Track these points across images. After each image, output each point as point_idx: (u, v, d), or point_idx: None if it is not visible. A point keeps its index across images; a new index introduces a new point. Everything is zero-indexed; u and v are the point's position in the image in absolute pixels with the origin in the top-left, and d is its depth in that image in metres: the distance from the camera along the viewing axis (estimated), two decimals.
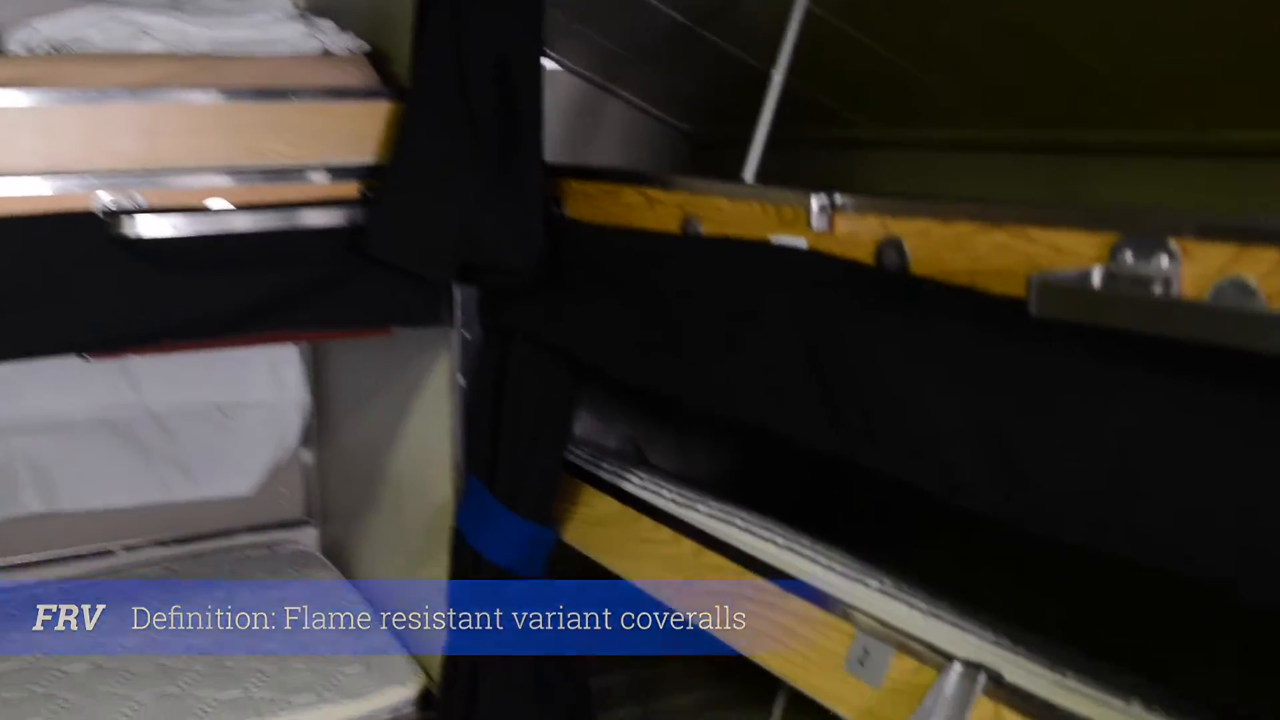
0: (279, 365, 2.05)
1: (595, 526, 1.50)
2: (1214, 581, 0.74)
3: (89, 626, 1.78)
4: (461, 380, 1.56)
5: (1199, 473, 0.73)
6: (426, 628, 1.71)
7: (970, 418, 0.88)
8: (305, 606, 1.87)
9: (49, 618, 1.81)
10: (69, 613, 1.82)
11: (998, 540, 1.08)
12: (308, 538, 2.17)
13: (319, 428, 2.16)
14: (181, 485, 2.03)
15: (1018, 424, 0.84)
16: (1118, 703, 0.91)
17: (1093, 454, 0.79)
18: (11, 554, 1.97)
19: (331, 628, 1.80)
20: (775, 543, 1.25)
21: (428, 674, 1.66)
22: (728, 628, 1.23)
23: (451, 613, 1.55)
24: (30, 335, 1.33)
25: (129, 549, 2.04)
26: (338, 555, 2.09)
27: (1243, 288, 0.68)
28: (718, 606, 1.25)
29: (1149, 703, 0.91)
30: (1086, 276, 0.75)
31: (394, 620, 1.82)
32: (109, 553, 2.03)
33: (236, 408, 2.04)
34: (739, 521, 1.30)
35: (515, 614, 1.49)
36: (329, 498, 2.16)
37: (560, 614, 1.54)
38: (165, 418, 2.00)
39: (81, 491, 1.95)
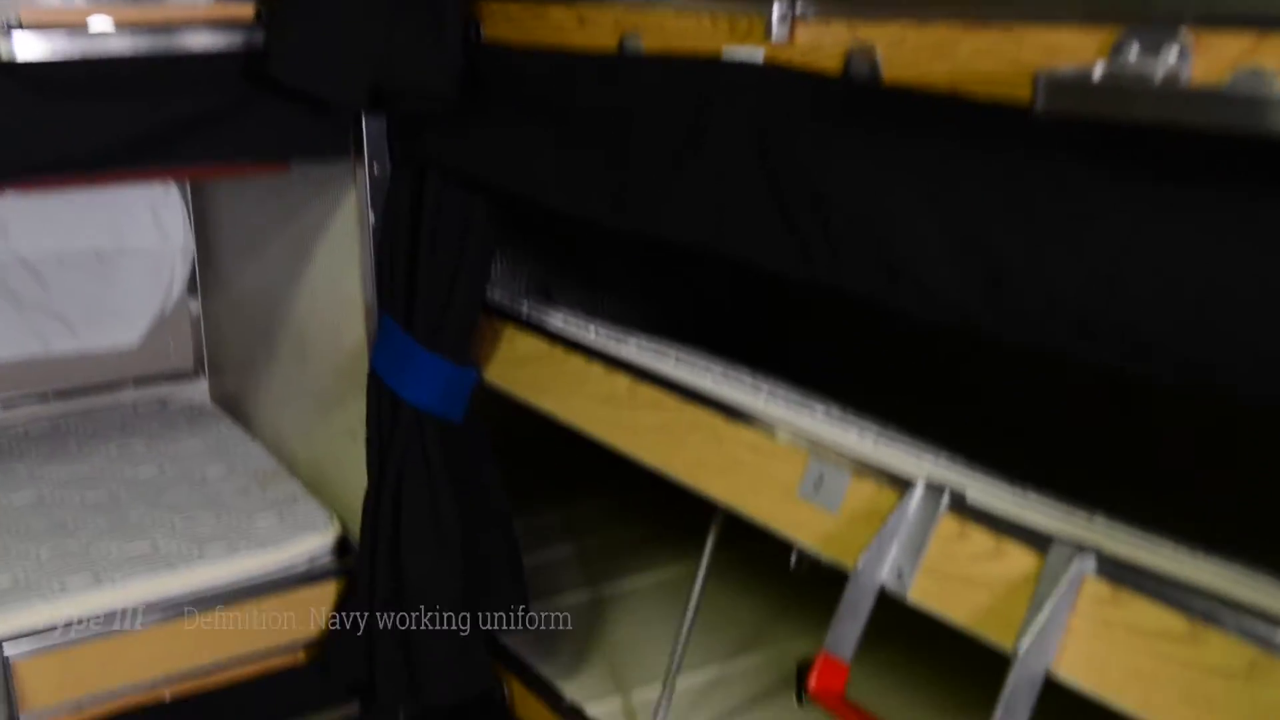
0: (160, 208, 1.93)
1: (520, 365, 1.45)
2: (1210, 385, 0.73)
3: None
4: (372, 217, 1.48)
5: (1195, 271, 0.72)
6: (341, 474, 1.66)
7: (949, 230, 0.86)
8: (207, 458, 1.80)
9: None
10: None
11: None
12: (199, 391, 2.08)
13: (205, 276, 2.06)
14: (61, 337, 1.92)
15: (1003, 232, 0.82)
16: (1081, 517, 0.91)
17: (1083, 258, 0.77)
18: None
19: (235, 476, 1.74)
20: (712, 374, 1.22)
21: (343, 522, 1.62)
22: (671, 462, 1.21)
23: (369, 457, 1.50)
24: None
25: (8, 406, 1.93)
26: (233, 407, 2.01)
27: (1260, 78, 0.66)
28: (657, 438, 1.23)
29: (1113, 517, 0.91)
30: (1088, 74, 0.72)
31: (304, 468, 1.76)
32: None
33: (116, 254, 1.93)
34: (673, 356, 1.27)
35: (435, 457, 1.45)
36: (220, 348, 2.07)
37: (481, 457, 1.51)
38: (38, 265, 1.88)
39: None
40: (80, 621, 1.41)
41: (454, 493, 1.46)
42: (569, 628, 1.72)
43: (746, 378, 1.19)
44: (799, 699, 1.55)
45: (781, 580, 1.81)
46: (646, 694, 1.53)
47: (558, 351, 1.39)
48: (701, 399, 1.19)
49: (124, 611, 1.44)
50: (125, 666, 1.44)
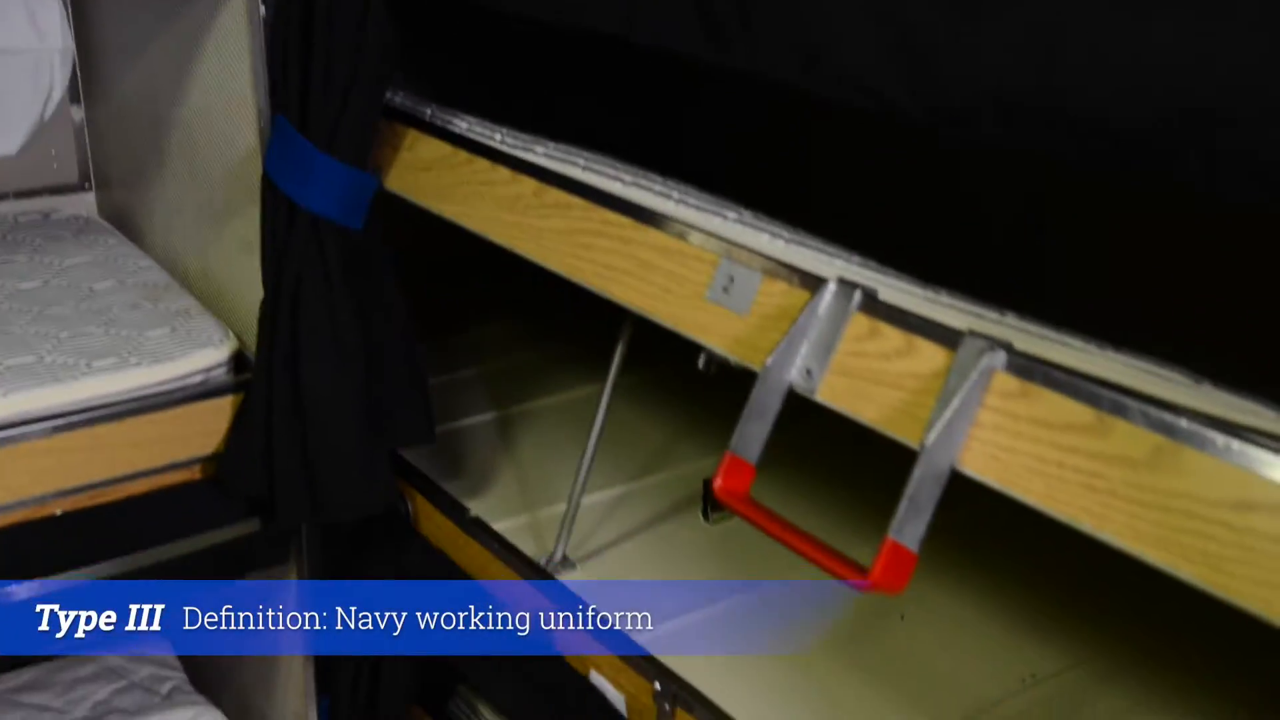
0: (36, 7, 1.79)
1: (422, 171, 1.40)
2: (1138, 169, 0.71)
3: None
4: (263, 9, 1.39)
5: (1129, 46, 0.69)
6: (236, 289, 1.60)
7: (870, 8, 0.82)
8: (94, 272, 1.72)
9: None
10: None
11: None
12: (85, 204, 1.99)
13: (86, 81, 1.94)
14: None
15: (927, 8, 0.78)
16: (993, 315, 0.90)
17: (1011, 33, 0.74)
18: None
19: (125, 290, 1.67)
20: (622, 180, 1.18)
21: (239, 338, 1.56)
22: (579, 267, 1.17)
23: (264, 265, 1.44)
24: None
25: None
26: (122, 221, 1.92)
27: None
28: (564, 244, 1.19)
29: (1023, 315, 0.90)
30: None
31: (198, 283, 1.69)
32: None
33: None
34: (580, 161, 1.23)
35: (334, 265, 1.40)
36: (106, 159, 1.96)
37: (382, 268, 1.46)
38: None
39: None
40: None
41: (354, 303, 1.41)
42: (475, 447, 1.71)
43: (657, 183, 1.16)
44: (705, 516, 1.57)
45: (691, 403, 1.83)
46: (552, 511, 1.53)
47: (462, 156, 1.33)
48: (611, 202, 1.15)
49: (9, 423, 1.38)
50: (13, 480, 1.39)
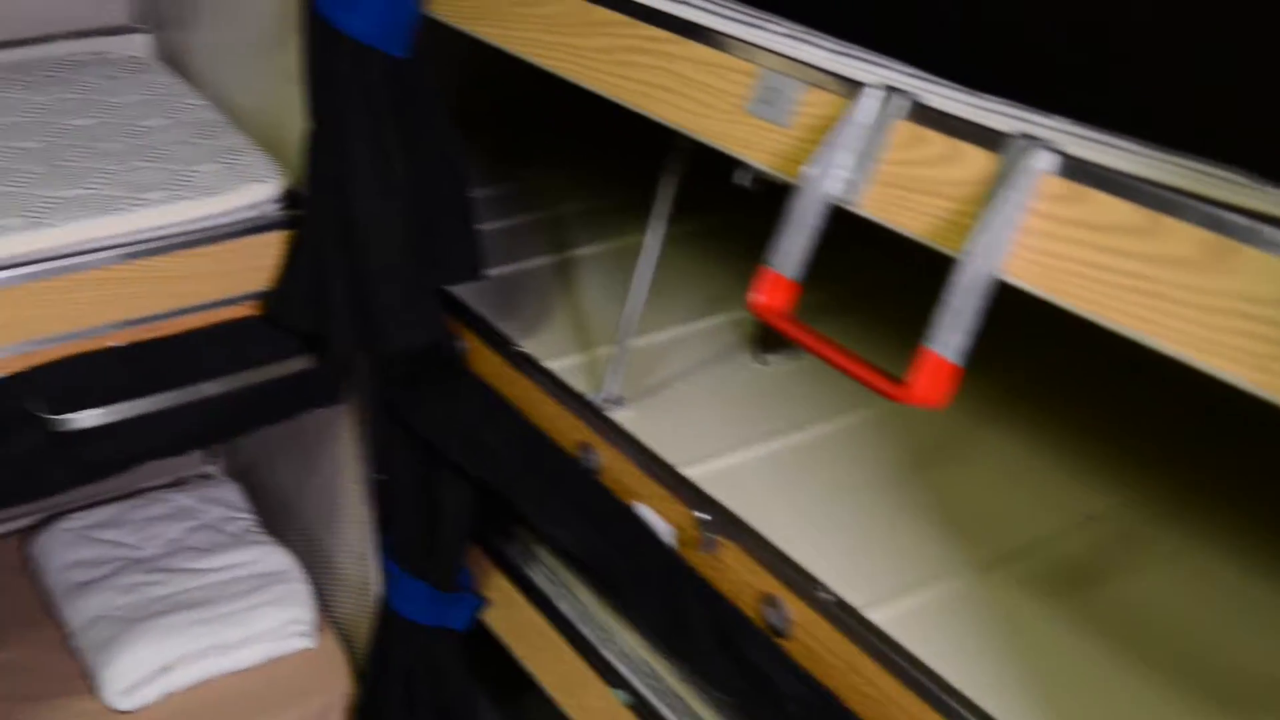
0: None
1: None
2: None
3: None
4: None
5: None
6: (284, 124, 1.58)
7: None
8: (146, 110, 1.71)
9: None
10: None
11: None
12: (138, 44, 1.97)
13: None
14: None
15: None
16: (1041, 119, 0.85)
17: None
18: None
19: (176, 127, 1.66)
20: None
21: (291, 174, 1.55)
22: (620, 85, 1.14)
23: (308, 96, 1.42)
24: None
25: None
26: (175, 60, 1.91)
27: None
28: (606, 63, 1.15)
29: (1074, 120, 0.85)
30: None
31: (248, 120, 1.68)
32: None
33: None
34: None
35: (378, 93, 1.37)
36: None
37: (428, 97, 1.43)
38: None
39: None
40: (19, 264, 1.37)
41: (399, 134, 1.39)
42: (529, 291, 1.70)
43: None
44: (759, 357, 1.54)
45: (751, 250, 1.79)
46: (606, 353, 1.51)
47: None
48: (651, 16, 1.10)
49: (64, 253, 1.39)
50: (69, 311, 1.41)
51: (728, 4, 1.09)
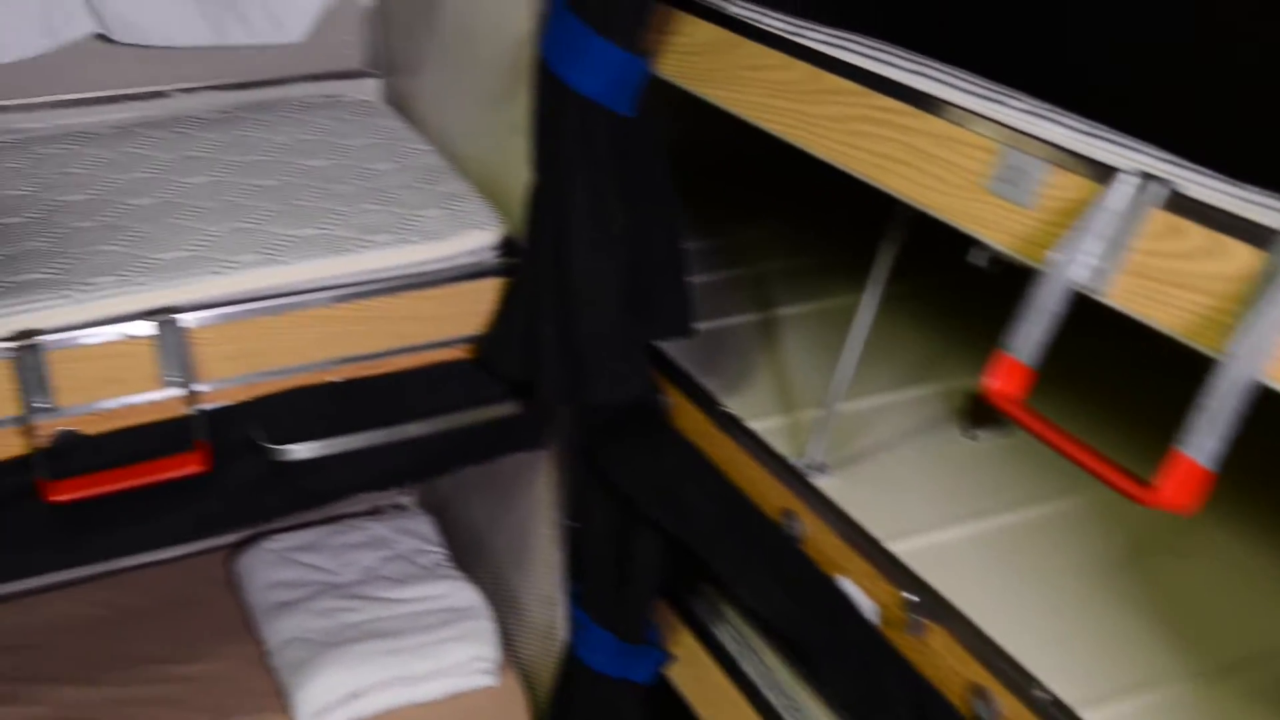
0: None
1: (693, 55, 1.36)
2: None
3: (156, 163, 1.71)
4: None
5: None
6: (507, 173, 1.62)
7: None
8: (375, 153, 1.78)
9: (111, 154, 1.73)
10: (131, 148, 1.75)
11: None
12: (368, 88, 2.05)
13: None
14: (233, 27, 1.88)
15: None
16: None
17: None
18: (63, 91, 1.87)
19: (403, 172, 1.72)
20: (899, 66, 1.12)
21: (509, 222, 1.58)
22: (851, 155, 1.12)
23: (534, 149, 1.45)
24: None
25: (189, 91, 1.94)
26: (402, 105, 1.98)
27: None
28: (836, 131, 1.14)
29: None
30: None
31: (471, 167, 1.73)
32: (163, 94, 1.93)
33: None
34: (856, 46, 1.17)
35: (602, 150, 1.39)
36: (391, 45, 2.02)
37: (651, 155, 1.44)
38: None
39: (130, 22, 1.80)
40: (251, 298, 1.43)
41: (620, 189, 1.40)
42: (734, 348, 1.69)
43: (936, 70, 1.09)
44: (968, 431, 1.50)
45: (963, 316, 1.75)
46: (810, 415, 1.49)
47: (733, 39, 1.29)
48: (887, 87, 1.09)
49: (294, 290, 1.45)
50: (293, 345, 1.46)
51: (964, 75, 1.07)
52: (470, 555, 2.10)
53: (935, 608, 1.16)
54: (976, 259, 0.99)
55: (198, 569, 2.08)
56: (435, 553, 2.11)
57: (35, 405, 1.34)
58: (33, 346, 1.31)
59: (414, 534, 2.14)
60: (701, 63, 1.34)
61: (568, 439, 1.67)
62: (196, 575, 2.07)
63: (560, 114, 1.40)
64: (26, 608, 2.00)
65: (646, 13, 1.36)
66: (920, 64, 1.10)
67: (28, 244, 1.48)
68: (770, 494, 1.38)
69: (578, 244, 1.41)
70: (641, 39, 1.38)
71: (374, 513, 2.23)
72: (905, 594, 1.18)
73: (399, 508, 2.26)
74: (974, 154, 1.00)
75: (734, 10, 1.31)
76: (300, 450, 1.46)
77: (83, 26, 1.78)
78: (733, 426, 1.45)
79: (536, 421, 1.63)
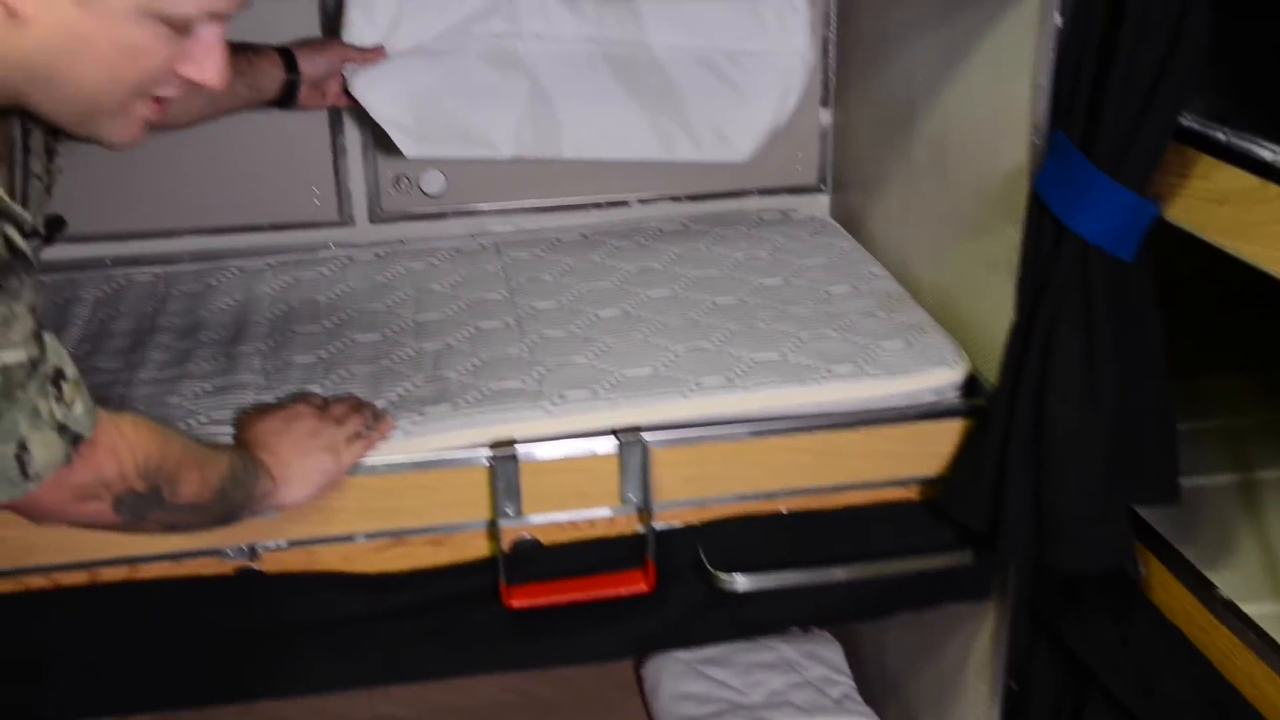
0: (785, 13, 1.85)
1: (1214, 204, 1.23)
2: None
3: (619, 274, 1.75)
4: (1058, 19, 1.30)
5: None
6: (973, 307, 1.54)
7: None
8: (830, 274, 1.74)
9: (578, 262, 1.80)
10: (596, 257, 1.81)
11: None
12: (821, 205, 2.04)
13: (838, 86, 1.97)
14: (681, 143, 1.91)
15: None
16: None
17: None
18: (533, 197, 1.96)
19: (859, 296, 1.67)
20: None
21: (972, 359, 1.50)
22: None
23: (1019, 288, 1.37)
24: None
25: (645, 203, 1.99)
26: (855, 224, 1.94)
27: None
28: None
29: None
30: None
31: (929, 296, 1.66)
32: (624, 204, 1.99)
33: (738, 56, 1.87)
34: None
35: (1098, 298, 1.28)
36: (847, 162, 2.00)
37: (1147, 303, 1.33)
38: (667, 64, 1.86)
39: (582, 138, 1.86)
40: (713, 422, 1.42)
41: (1114, 339, 1.30)
42: (1214, 512, 1.52)
43: None
44: None
45: None
46: None
47: (1271, 190, 1.16)
48: None
49: (754, 417, 1.42)
50: (748, 472, 1.44)
51: None
52: (881, 692, 2.00)
53: None
54: None
55: (608, 670, 2.09)
56: (844, 683, 2.03)
57: (504, 511, 1.37)
58: (511, 456, 1.35)
59: (823, 661, 2.07)
60: (1226, 213, 1.21)
61: (1016, 593, 1.55)
62: (607, 677, 2.09)
63: (1054, 255, 1.31)
64: (453, 685, 2.06)
65: (1161, 154, 1.25)
66: None
67: (506, 350, 1.54)
68: (1277, 698, 1.21)
69: (1063, 395, 1.31)
70: (1154, 182, 1.27)
71: (784, 633, 2.17)
72: None
73: (808, 630, 2.20)
74: None
75: (1268, 156, 1.18)
76: (744, 581, 1.43)
77: (531, 146, 1.86)
78: (1228, 613, 1.29)
79: (987, 573, 1.52)
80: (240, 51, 1.53)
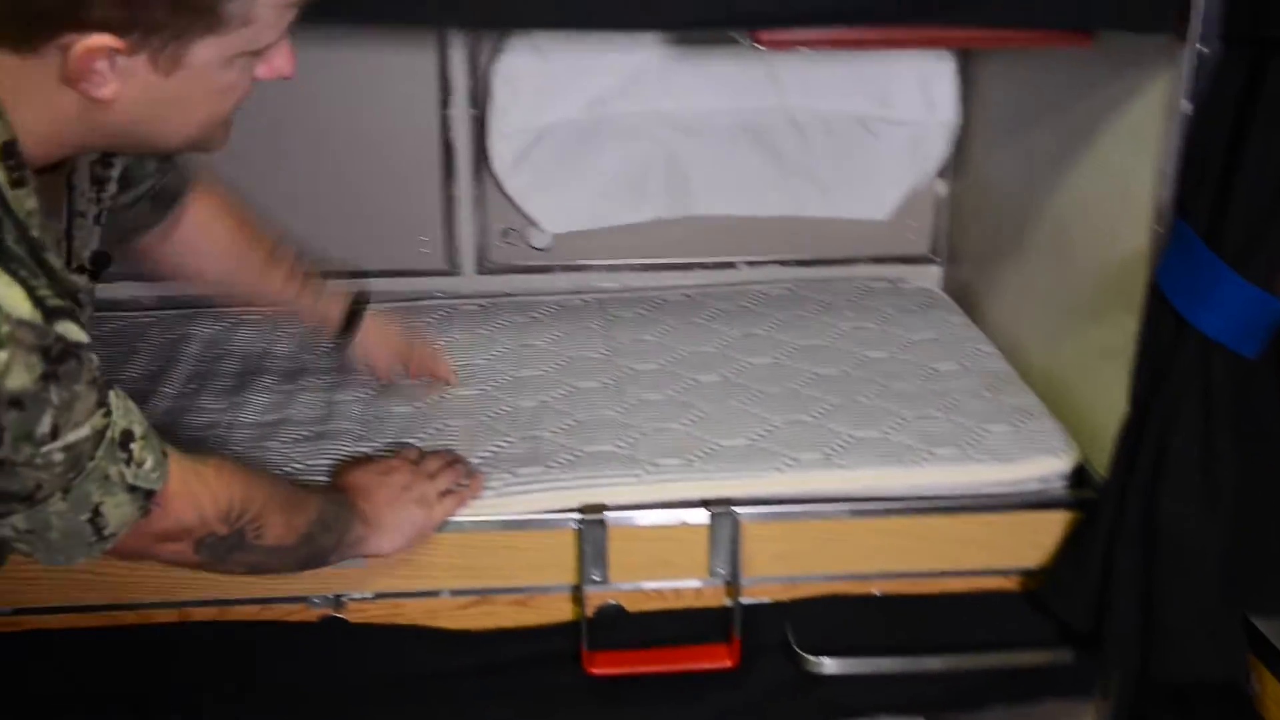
0: (929, 80, 1.84)
1: None
2: None
3: (722, 338, 1.74)
4: (1187, 106, 1.25)
5: None
6: (1083, 395, 1.49)
7: None
8: (937, 350, 1.70)
9: (681, 323, 1.78)
10: (699, 320, 1.79)
11: None
12: (931, 276, 2.00)
13: (957, 157, 1.94)
14: (815, 201, 1.90)
15: None
16: None
17: None
18: (640, 255, 1.95)
19: (966, 375, 1.63)
20: None
21: (1082, 449, 1.45)
22: None
23: (1135, 380, 1.31)
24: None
25: (754, 264, 1.97)
26: (965, 299, 1.90)
27: None
28: None
29: None
30: None
31: (1038, 379, 1.61)
32: (731, 265, 1.97)
33: (879, 123, 1.86)
34: None
35: (1219, 396, 1.23)
36: (961, 235, 1.96)
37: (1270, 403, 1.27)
38: (805, 126, 1.87)
39: (714, 197, 1.86)
40: (808, 499, 1.38)
41: (1233, 439, 1.24)
42: None
43: None
44: None
45: None
46: None
47: None
48: None
49: (851, 496, 1.39)
50: (842, 552, 1.40)
51: None
52: None
53: None
54: None
55: None
56: None
57: (590, 576, 1.36)
58: (599, 521, 1.33)
59: None
60: None
61: (1119, 696, 1.48)
62: None
63: (1172, 347, 1.26)
64: None
65: None
66: None
67: (601, 411, 1.52)
68: None
69: (1178, 496, 1.25)
70: (1278, 279, 1.21)
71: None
72: None
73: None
74: None
75: None
76: (832, 664, 1.39)
77: (660, 209, 1.85)
78: None
79: (1088, 672, 1.45)
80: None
